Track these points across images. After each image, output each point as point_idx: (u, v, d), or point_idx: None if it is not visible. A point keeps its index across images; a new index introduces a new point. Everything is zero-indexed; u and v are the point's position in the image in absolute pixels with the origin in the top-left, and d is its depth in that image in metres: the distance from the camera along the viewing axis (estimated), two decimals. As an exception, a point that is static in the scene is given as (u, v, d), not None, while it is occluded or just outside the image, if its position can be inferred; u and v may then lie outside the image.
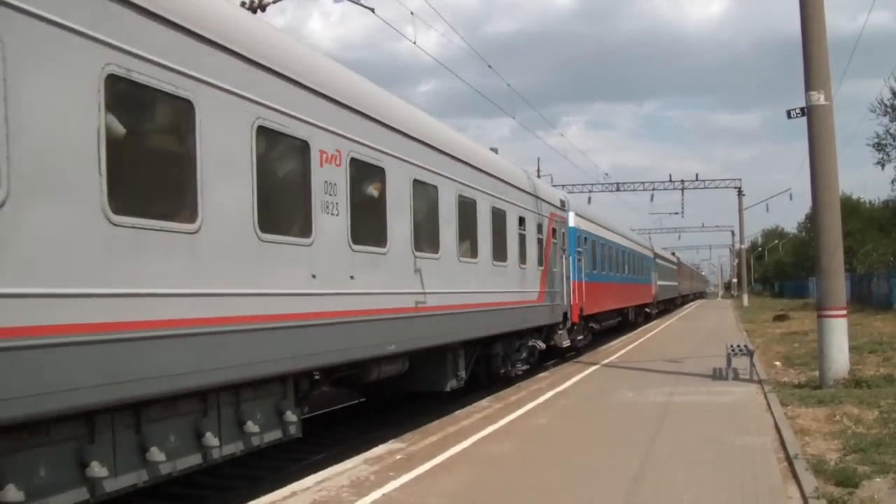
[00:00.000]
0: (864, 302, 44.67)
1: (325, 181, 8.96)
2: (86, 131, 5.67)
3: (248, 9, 15.51)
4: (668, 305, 58.80)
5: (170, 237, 6.52)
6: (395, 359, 11.16)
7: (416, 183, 11.55)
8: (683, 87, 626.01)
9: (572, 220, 22.95)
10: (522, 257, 17.04)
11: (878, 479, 7.40)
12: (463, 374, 13.95)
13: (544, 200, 19.92)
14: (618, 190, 59.75)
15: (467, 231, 13.73)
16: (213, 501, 9.13)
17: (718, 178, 61.36)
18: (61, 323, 5.38)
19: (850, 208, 51.79)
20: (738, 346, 16.34)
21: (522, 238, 17.18)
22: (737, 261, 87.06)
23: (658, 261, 49.55)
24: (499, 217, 15.52)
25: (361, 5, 14.08)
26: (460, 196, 13.24)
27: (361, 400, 15.25)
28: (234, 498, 9.06)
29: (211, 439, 7.26)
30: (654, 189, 59.56)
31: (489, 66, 23.90)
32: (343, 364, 9.76)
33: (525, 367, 17.95)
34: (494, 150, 18.04)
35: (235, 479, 10.05)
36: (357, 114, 9.95)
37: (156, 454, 6.54)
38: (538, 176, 33.62)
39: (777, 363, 18.47)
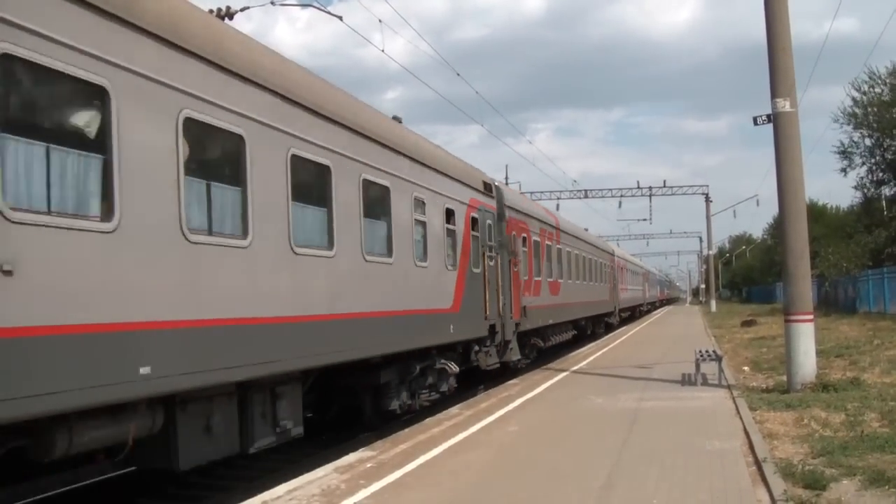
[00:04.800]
0: (830, 306, 45.33)
1: None
2: None
3: (217, 17, 15.45)
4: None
5: None
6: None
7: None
8: (652, 94, 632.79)
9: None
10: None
11: (845, 482, 7.47)
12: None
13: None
14: (586, 197, 60.49)
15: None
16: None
17: (686, 185, 62.19)
18: None
19: (816, 214, 52.66)
20: (707, 351, 16.44)
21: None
22: (705, 267, 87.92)
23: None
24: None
25: (329, 13, 14.06)
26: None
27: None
28: (201, 509, 8.93)
29: None
30: (622, 196, 60.37)
31: (457, 74, 24.06)
32: None
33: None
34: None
35: (203, 489, 9.91)
36: None
37: None
38: (506, 183, 32.86)
39: (745, 368, 18.63)
